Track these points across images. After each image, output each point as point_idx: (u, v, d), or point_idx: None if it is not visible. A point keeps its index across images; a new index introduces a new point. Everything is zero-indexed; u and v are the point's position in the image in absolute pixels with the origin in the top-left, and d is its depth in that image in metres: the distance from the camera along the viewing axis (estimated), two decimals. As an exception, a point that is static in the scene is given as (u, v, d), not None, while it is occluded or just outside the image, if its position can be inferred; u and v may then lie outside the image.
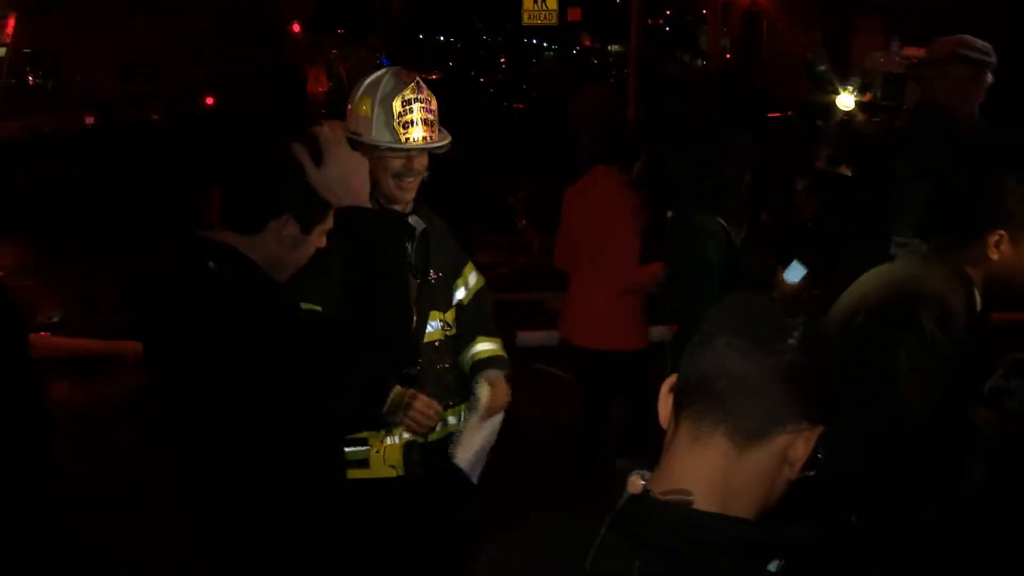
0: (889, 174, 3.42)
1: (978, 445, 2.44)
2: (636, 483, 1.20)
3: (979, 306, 2.39)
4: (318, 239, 1.88)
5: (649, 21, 11.63)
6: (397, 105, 2.42)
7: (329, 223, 1.85)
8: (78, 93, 14.17)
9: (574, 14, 18.84)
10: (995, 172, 2.51)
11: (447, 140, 2.47)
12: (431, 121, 2.41)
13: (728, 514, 1.19)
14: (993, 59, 3.39)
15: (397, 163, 2.43)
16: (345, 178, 1.82)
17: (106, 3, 15.13)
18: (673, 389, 1.25)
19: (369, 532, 2.31)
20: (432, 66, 20.85)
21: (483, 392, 2.55)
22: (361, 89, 2.44)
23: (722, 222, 3.02)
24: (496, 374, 2.59)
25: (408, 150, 2.43)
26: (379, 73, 2.51)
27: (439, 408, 2.39)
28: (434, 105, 2.43)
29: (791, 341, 1.19)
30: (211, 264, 1.77)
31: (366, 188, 1.86)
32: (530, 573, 1.24)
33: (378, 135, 2.39)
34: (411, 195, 2.49)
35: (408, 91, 2.43)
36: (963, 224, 2.42)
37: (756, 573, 1.16)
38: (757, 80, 10.29)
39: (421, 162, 2.46)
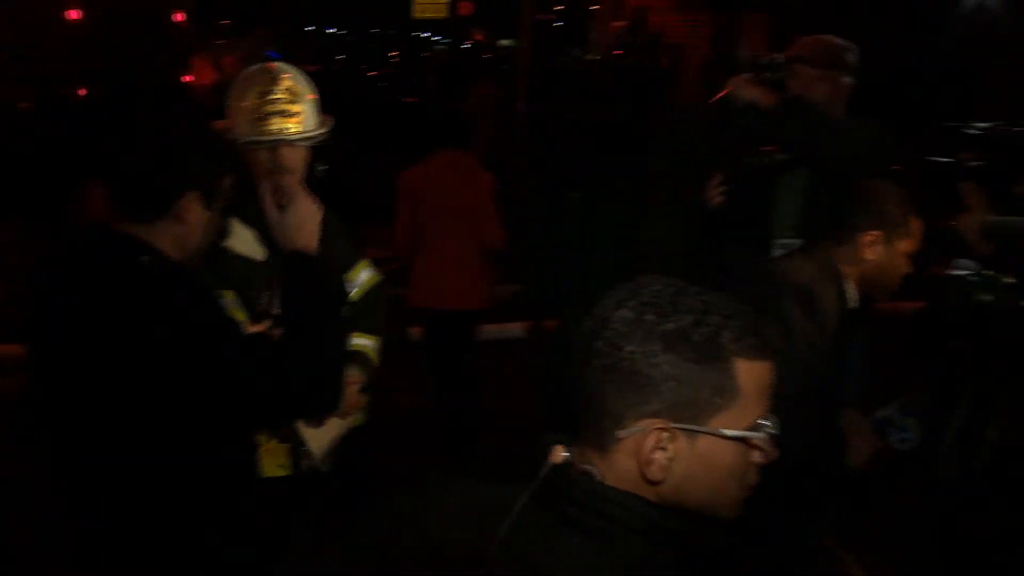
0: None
1: (839, 452, 2.49)
2: (558, 453, 1.22)
3: (852, 304, 2.44)
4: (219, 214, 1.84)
5: (539, 16, 11.67)
6: (256, 98, 2.35)
7: (227, 195, 1.85)
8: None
9: (465, 8, 18.84)
10: (870, 173, 2.58)
11: (313, 132, 2.39)
12: (293, 113, 2.35)
13: (640, 495, 1.19)
14: (853, 59, 3.48)
15: (263, 158, 2.35)
16: (301, 226, 2.00)
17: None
18: None
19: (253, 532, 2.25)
20: (320, 59, 20.54)
21: None
22: (233, 84, 2.39)
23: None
24: (351, 370, 2.51)
25: (263, 143, 2.33)
26: (251, 68, 2.43)
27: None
28: (300, 96, 2.37)
29: (599, 343, 1.17)
30: (144, 259, 1.72)
31: (316, 237, 2.03)
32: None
33: (240, 129, 2.34)
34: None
35: (268, 83, 2.35)
36: (835, 224, 2.48)
37: (653, 554, 1.17)
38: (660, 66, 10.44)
39: (291, 157, 2.36)
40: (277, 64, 2.41)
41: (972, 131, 3.05)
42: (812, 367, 2.26)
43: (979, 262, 1.89)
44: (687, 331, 1.14)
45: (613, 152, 4.35)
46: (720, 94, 3.62)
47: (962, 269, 1.83)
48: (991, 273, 1.82)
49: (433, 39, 27.22)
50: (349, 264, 2.67)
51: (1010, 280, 1.79)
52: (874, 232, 2.39)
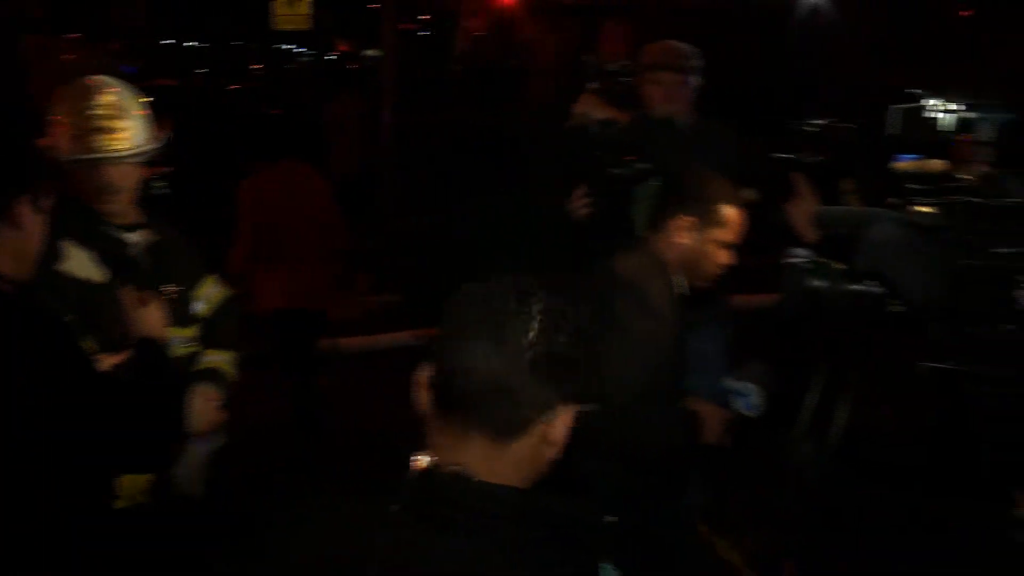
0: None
1: (688, 436, 2.59)
2: (421, 460, 1.24)
3: (679, 290, 2.54)
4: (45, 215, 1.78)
5: (401, 26, 11.64)
6: (76, 114, 2.27)
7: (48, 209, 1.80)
8: None
9: (327, 19, 18.61)
10: (687, 160, 2.72)
11: (139, 149, 2.33)
12: (117, 129, 2.29)
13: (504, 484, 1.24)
14: (698, 63, 3.63)
15: (91, 176, 2.28)
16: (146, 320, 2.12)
17: None
18: (430, 382, 1.27)
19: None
20: (180, 73, 19.92)
21: (194, 406, 2.41)
22: (53, 100, 2.32)
23: None
24: (208, 388, 2.48)
25: (85, 161, 2.27)
26: (71, 83, 2.35)
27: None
28: (125, 112, 2.31)
29: (531, 334, 1.21)
30: None
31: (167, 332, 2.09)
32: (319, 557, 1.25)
33: (62, 147, 2.28)
34: (117, 208, 2.33)
35: (89, 98, 2.28)
36: (652, 211, 2.60)
37: (527, 539, 1.20)
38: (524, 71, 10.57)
39: (117, 175, 2.30)
40: (99, 78, 2.34)
41: (809, 128, 3.19)
42: (654, 361, 2.34)
43: (814, 250, 1.98)
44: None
45: (491, 159, 4.45)
46: (574, 111, 3.72)
47: (797, 257, 1.92)
48: (824, 260, 1.91)
49: (297, 51, 26.81)
50: (195, 280, 2.62)
51: (840, 266, 1.89)
52: (687, 218, 2.51)
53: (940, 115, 1.95)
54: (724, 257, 2.59)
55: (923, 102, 1.95)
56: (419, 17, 16.77)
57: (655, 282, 2.50)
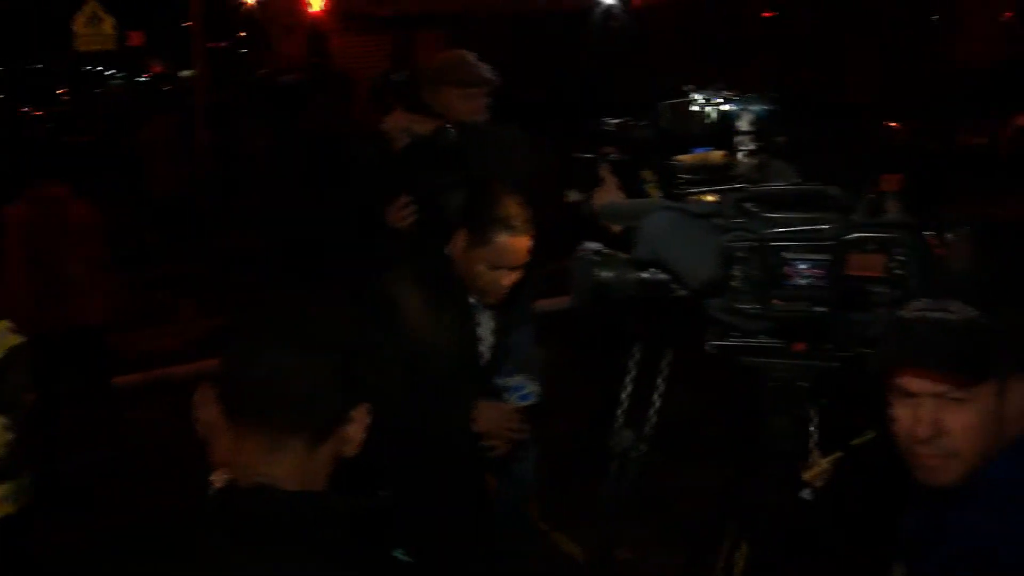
0: None
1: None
2: (219, 479, 1.25)
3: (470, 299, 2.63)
4: None
5: (215, 44, 11.32)
6: None
7: None
8: None
9: (136, 38, 17.85)
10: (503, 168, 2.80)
11: None
12: None
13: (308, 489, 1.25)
14: (491, 76, 3.73)
15: None
16: None
17: None
18: (223, 397, 1.27)
19: None
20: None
21: None
22: None
23: None
24: None
25: None
26: None
27: None
28: None
29: (330, 340, 1.23)
30: None
31: None
32: None
33: None
34: None
35: None
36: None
37: (335, 539, 1.21)
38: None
39: None
40: None
41: (608, 128, 3.31)
42: (400, 375, 2.43)
43: (604, 242, 2.06)
44: None
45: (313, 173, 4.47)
46: (385, 123, 3.72)
47: (585, 250, 1.99)
48: (610, 252, 2.00)
49: (107, 73, 25.60)
50: None
51: (625, 256, 1.98)
52: (462, 233, 2.63)
53: (705, 109, 2.07)
54: (497, 277, 2.69)
55: (689, 97, 2.07)
56: (238, 35, 16.35)
57: (413, 296, 2.62)
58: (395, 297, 2.61)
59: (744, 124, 2.10)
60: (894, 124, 10.47)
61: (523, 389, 2.80)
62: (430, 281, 2.67)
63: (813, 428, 2.04)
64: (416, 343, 2.57)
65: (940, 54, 12.07)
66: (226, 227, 9.00)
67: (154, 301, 7.17)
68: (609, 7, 11.57)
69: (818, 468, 2.01)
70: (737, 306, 1.90)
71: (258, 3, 12.73)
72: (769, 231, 1.90)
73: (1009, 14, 12.01)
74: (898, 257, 1.81)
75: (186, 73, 17.72)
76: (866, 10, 11.23)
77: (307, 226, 5.44)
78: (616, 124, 3.26)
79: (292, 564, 1.17)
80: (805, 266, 1.87)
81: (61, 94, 21.85)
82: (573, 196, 3.75)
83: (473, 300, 2.77)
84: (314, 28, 10.77)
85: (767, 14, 12.61)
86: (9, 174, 5.46)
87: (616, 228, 2.57)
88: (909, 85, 11.50)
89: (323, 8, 10.71)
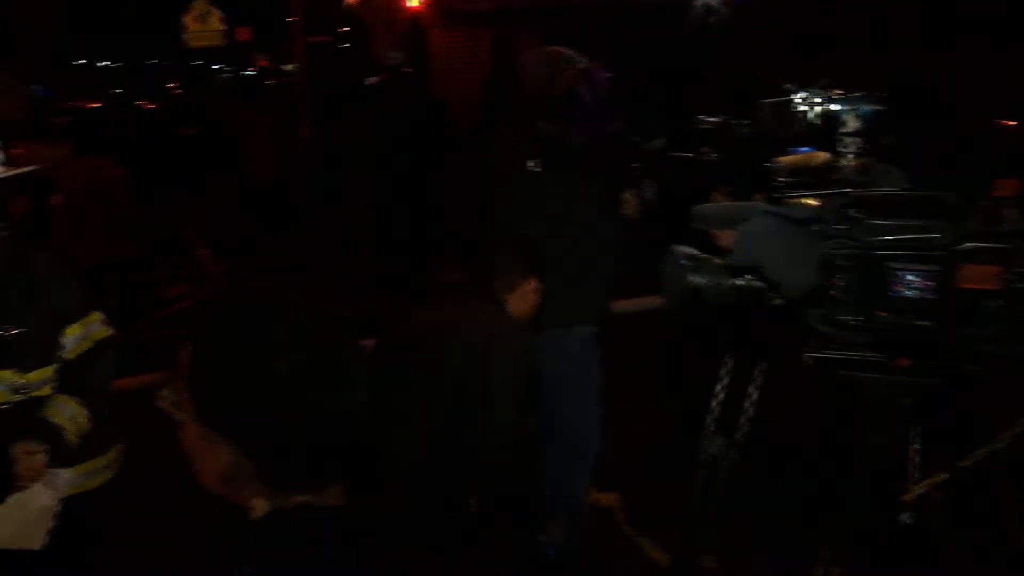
0: None
1: None
2: (261, 504, 1.15)
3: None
4: None
5: (316, 39, 11.54)
6: None
7: None
8: None
9: (243, 34, 18.35)
10: None
11: None
12: None
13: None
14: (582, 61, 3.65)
15: None
16: None
17: None
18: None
19: None
20: (95, 94, 19.46)
21: (14, 458, 2.32)
22: None
23: None
24: (28, 441, 2.35)
25: None
26: None
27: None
28: None
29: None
30: None
31: None
32: None
33: None
34: None
35: None
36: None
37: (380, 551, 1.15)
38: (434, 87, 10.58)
39: None
40: None
41: (705, 126, 3.22)
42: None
43: (698, 246, 2.00)
44: None
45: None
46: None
47: (678, 254, 1.93)
48: (704, 256, 1.93)
49: (215, 67, 26.42)
50: (72, 317, 2.50)
51: (720, 262, 1.91)
52: (533, 280, 2.97)
53: (807, 108, 1.98)
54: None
55: (791, 96, 1.98)
56: (338, 30, 16.65)
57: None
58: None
59: (849, 125, 2.00)
60: (1010, 124, 9.98)
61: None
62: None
63: (915, 447, 1.94)
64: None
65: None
66: (324, 220, 9.17)
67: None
68: (709, 1, 11.34)
69: (919, 490, 1.91)
70: (838, 317, 1.80)
71: (359, -1, 12.98)
72: (874, 239, 1.81)
73: None
74: (1016, 269, 1.69)
75: (290, 67, 18.14)
76: (979, 3, 10.78)
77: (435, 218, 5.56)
78: (714, 122, 3.17)
79: None
80: (912, 277, 1.76)
81: (172, 88, 22.65)
82: (650, 193, 3.68)
83: None
84: (413, 24, 10.87)
85: (874, 10, 12.23)
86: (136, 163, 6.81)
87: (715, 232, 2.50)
88: (1026, 83, 10.98)
89: (423, 3, 10.79)
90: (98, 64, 25.77)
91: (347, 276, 7.27)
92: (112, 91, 20.41)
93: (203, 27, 12.93)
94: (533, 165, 3.48)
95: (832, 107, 1.99)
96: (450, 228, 6.68)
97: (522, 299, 2.91)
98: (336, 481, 1.20)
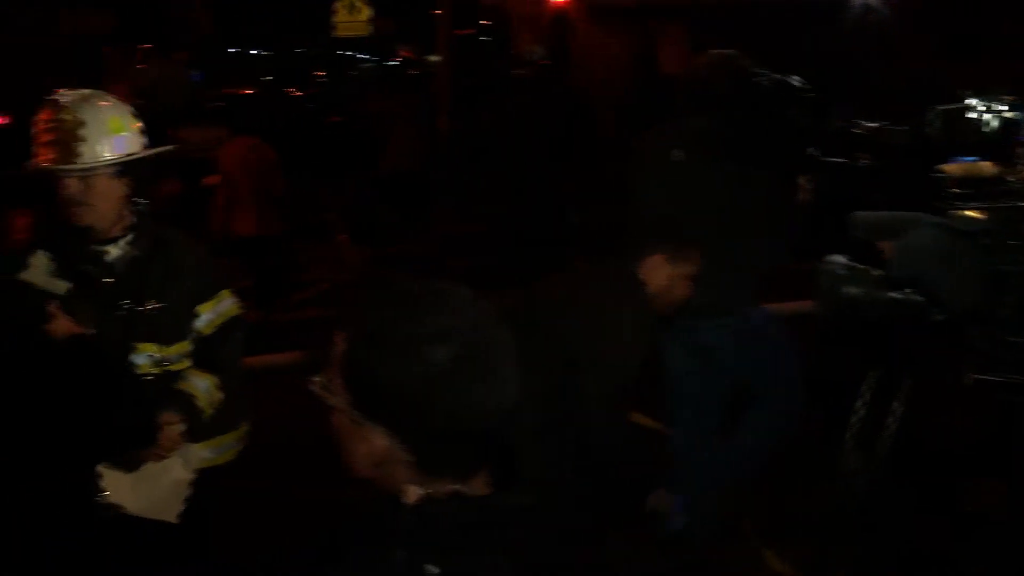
0: None
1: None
2: (412, 492, 1.17)
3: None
4: None
5: (460, 32, 11.70)
6: (41, 129, 2.31)
7: None
8: None
9: (388, 25, 18.77)
10: None
11: (81, 165, 2.30)
12: (64, 143, 2.28)
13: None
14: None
15: (60, 188, 2.33)
16: None
17: None
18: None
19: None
20: (247, 80, 20.28)
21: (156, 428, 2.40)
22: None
23: None
24: (170, 415, 2.44)
25: (34, 171, 2.32)
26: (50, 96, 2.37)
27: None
28: (78, 127, 2.30)
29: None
30: None
31: None
32: None
33: (33, 162, 2.34)
34: (91, 220, 2.35)
35: (50, 113, 2.30)
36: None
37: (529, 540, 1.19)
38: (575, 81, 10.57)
39: (79, 187, 2.30)
40: (72, 93, 2.35)
41: (861, 131, 3.12)
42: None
43: (853, 256, 1.93)
44: None
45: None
46: None
47: (833, 263, 1.87)
48: (861, 267, 1.86)
49: (359, 57, 27.12)
50: (206, 295, 2.58)
51: (878, 273, 1.84)
52: (659, 256, 2.93)
53: (983, 116, 1.88)
54: (686, 291, 2.87)
55: (966, 103, 1.88)
56: (480, 22, 16.83)
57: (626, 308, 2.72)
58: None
59: (1030, 134, 1.89)
60: None
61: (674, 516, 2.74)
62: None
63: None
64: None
65: None
66: (461, 211, 9.27)
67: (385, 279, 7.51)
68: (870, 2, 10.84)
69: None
70: (1006, 338, 1.71)
71: (504, -9, 13.09)
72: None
73: None
74: None
75: (431, 58, 18.47)
76: None
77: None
78: (870, 128, 3.06)
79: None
80: (1092, 299, 1.66)
81: (318, 76, 23.36)
82: (807, 196, 3.57)
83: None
84: (557, 18, 10.87)
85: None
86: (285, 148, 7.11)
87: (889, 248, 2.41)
88: None
89: (567, -1, 10.81)
90: (251, 52, 26.83)
91: (481, 268, 7.35)
92: (263, 78, 21.19)
93: (351, 18, 13.33)
94: (678, 155, 3.50)
95: (1012, 114, 1.88)
96: (588, 223, 6.66)
97: (653, 273, 2.89)
98: (482, 471, 1.21)
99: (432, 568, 1.13)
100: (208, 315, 2.59)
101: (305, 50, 26.73)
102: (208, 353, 2.58)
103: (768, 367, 3.58)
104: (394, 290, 1.21)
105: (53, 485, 2.15)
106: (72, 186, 2.29)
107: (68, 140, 2.27)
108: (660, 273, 2.89)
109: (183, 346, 2.53)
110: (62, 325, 1.93)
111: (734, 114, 3.39)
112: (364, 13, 13.33)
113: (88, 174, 2.30)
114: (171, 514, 2.48)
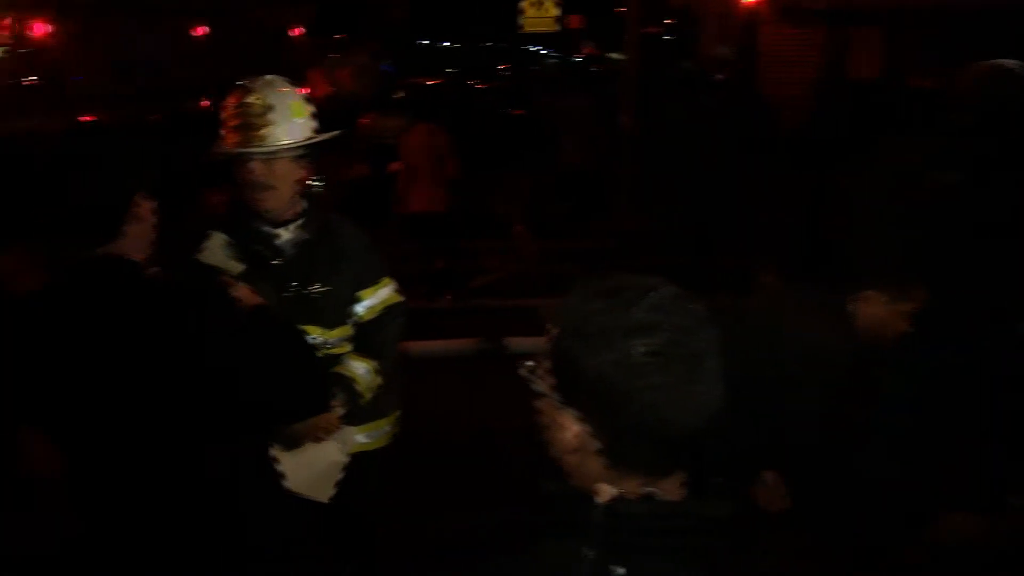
0: None
1: None
2: (605, 490, 1.18)
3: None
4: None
5: (646, 30, 11.60)
6: (229, 110, 2.35)
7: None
8: (76, 93, 14.12)
9: (575, 21, 18.88)
10: None
11: (270, 148, 2.35)
12: (255, 127, 2.34)
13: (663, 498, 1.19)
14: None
15: (241, 171, 2.34)
16: None
17: (102, 3, 15.11)
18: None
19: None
20: (433, 72, 20.86)
21: None
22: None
23: None
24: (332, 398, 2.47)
25: (222, 154, 2.36)
26: (240, 82, 2.42)
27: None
28: (267, 111, 2.35)
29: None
30: (146, 273, 1.79)
31: None
32: None
33: (220, 141, 2.38)
34: (269, 203, 2.39)
35: (241, 97, 2.35)
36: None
37: (719, 547, 1.17)
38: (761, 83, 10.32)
39: (261, 170, 2.35)
40: (261, 78, 2.41)
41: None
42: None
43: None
44: None
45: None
46: None
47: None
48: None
49: (543, 52, 27.41)
50: (368, 281, 2.60)
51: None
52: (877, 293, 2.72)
53: None
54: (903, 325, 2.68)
55: None
56: (665, 21, 16.66)
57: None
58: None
59: None
60: None
61: None
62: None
63: None
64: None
65: None
66: (639, 210, 9.19)
67: (560, 272, 7.53)
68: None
69: None
70: None
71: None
72: None
73: None
74: None
75: (615, 56, 18.42)
76: None
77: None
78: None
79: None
80: None
81: (502, 70, 23.79)
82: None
83: None
84: (746, 19, 10.64)
85: None
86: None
87: None
88: None
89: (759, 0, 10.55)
90: (438, 45, 27.58)
91: (655, 268, 7.27)
92: (449, 70, 21.76)
93: (539, 13, 13.51)
94: (948, 177, 3.13)
95: None
96: (772, 229, 6.46)
97: (867, 308, 2.70)
98: (675, 474, 1.20)
99: (619, 569, 1.14)
100: (369, 301, 2.61)
101: (490, 44, 27.24)
102: (369, 339, 2.61)
103: None
104: (603, 283, 1.23)
105: (241, 448, 2.08)
106: (256, 169, 2.33)
107: (254, 124, 2.32)
108: (875, 309, 2.69)
109: (344, 330, 2.56)
110: (247, 295, 1.97)
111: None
112: (551, 9, 13.48)
113: (272, 157, 2.35)
114: (324, 494, 2.53)
